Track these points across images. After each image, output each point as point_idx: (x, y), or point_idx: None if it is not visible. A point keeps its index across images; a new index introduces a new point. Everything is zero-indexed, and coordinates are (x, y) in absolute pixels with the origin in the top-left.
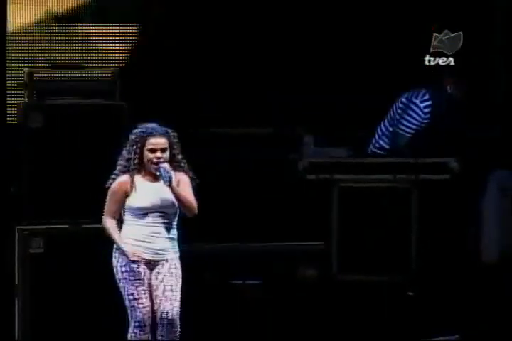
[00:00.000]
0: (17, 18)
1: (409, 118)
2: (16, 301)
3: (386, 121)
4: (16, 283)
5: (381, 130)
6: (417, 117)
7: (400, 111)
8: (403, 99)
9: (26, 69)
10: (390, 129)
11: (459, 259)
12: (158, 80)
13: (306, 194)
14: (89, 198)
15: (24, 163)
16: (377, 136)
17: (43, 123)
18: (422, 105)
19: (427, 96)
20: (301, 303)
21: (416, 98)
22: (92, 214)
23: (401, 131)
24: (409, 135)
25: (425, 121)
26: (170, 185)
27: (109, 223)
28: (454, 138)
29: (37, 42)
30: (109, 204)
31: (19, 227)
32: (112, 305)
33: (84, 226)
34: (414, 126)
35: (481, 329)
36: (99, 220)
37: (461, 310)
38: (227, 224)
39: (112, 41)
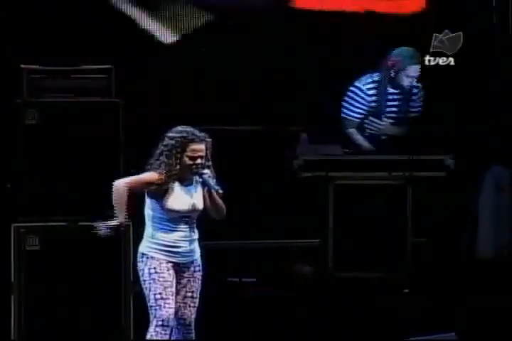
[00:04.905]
0: None
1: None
2: (12, 299)
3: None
4: (12, 280)
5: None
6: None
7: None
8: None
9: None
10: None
11: (454, 256)
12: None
13: (302, 191)
14: (86, 195)
15: (20, 160)
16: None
17: (37, 120)
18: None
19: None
20: (297, 300)
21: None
22: (88, 212)
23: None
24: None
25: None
26: (218, 190)
27: (123, 187)
28: None
29: None
30: (136, 179)
31: (15, 225)
32: (108, 303)
33: (81, 223)
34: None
35: (476, 327)
36: (96, 217)
37: (457, 307)
38: (222, 221)
39: None
